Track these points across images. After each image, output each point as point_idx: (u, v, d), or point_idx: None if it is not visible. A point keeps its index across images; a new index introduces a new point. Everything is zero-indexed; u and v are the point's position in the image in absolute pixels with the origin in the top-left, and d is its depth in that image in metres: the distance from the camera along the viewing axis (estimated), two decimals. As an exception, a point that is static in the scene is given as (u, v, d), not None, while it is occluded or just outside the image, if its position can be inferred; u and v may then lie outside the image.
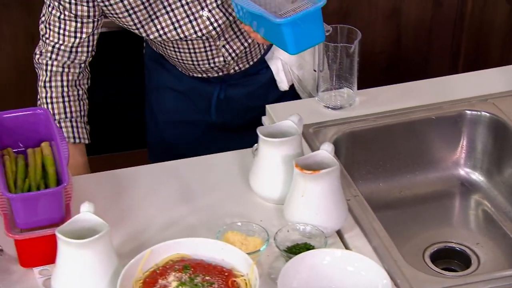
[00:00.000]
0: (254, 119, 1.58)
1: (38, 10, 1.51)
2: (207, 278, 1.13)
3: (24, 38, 2.15)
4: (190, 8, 1.47)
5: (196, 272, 1.14)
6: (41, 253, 1.19)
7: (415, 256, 1.40)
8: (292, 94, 1.68)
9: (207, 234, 1.26)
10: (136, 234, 1.29)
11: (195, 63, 1.58)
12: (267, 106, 1.58)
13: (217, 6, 1.48)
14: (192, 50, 1.55)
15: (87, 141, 1.56)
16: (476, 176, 1.56)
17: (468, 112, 1.54)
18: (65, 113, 1.51)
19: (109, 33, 2.09)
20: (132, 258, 1.15)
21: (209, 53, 1.56)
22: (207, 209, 1.34)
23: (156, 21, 1.48)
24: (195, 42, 1.53)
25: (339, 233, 1.29)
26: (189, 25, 1.49)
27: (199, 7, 1.47)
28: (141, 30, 1.49)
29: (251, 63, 1.63)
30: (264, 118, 1.58)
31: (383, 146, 1.53)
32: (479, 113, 1.53)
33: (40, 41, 1.51)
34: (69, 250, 1.12)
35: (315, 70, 1.58)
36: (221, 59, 1.57)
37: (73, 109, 1.52)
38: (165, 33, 1.49)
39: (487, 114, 1.52)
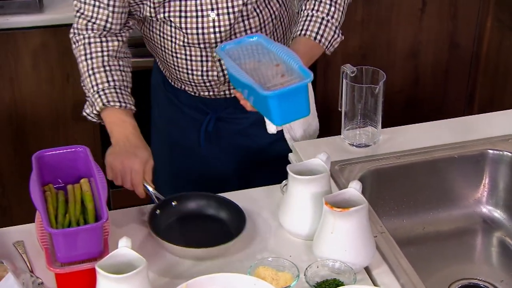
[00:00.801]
0: (245, 163, 1.61)
1: (71, 51, 1.56)
2: (240, 312, 1.16)
3: (60, 78, 2.22)
4: (201, 4, 1.48)
5: (230, 307, 1.17)
6: (80, 286, 1.22)
7: (441, 292, 1.42)
8: (283, 140, 1.67)
9: (239, 269, 1.29)
10: (170, 268, 1.32)
11: (189, 71, 1.58)
12: (294, 143, 1.62)
13: (227, 13, 1.49)
14: (188, 57, 1.55)
15: (133, 108, 1.49)
16: (498, 214, 1.59)
17: (490, 151, 1.58)
18: (108, 81, 1.47)
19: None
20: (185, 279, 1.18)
21: (204, 63, 1.56)
22: (237, 244, 1.38)
23: (166, 4, 1.48)
24: (192, 48, 1.53)
25: (367, 270, 1.32)
26: (194, 19, 1.49)
27: (209, 7, 1.49)
28: (151, 4, 1.47)
29: None
30: (290, 155, 1.63)
31: (407, 183, 1.57)
32: (501, 152, 1.57)
33: (75, 18, 1.51)
34: (108, 284, 1.15)
35: (340, 110, 1.63)
36: (215, 73, 1.57)
37: (115, 77, 1.48)
38: (169, 16, 1.49)
39: (509, 154, 1.56)
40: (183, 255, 1.33)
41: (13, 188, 2.32)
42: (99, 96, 1.46)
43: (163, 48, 1.57)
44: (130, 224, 1.41)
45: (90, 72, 1.47)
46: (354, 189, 1.32)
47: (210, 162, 1.70)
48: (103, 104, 1.45)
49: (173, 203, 1.42)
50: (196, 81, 1.60)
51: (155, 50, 1.61)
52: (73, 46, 1.53)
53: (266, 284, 1.21)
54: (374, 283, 1.29)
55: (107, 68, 1.48)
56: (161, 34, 1.54)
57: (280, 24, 1.61)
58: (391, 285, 1.27)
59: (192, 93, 1.64)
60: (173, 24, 1.51)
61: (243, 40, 1.44)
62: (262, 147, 1.67)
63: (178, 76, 1.61)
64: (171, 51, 1.56)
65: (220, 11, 1.49)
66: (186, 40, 1.52)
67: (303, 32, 1.53)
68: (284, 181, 1.51)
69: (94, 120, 1.51)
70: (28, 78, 2.19)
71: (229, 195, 1.49)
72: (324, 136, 1.68)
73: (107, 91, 1.46)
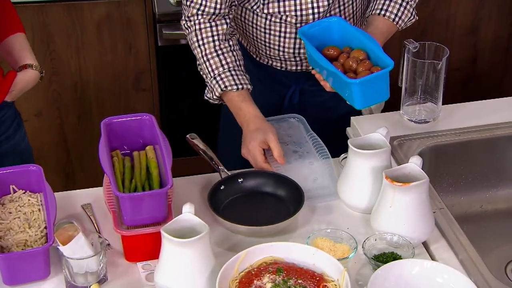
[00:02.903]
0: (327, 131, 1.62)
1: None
2: (299, 281, 1.19)
3: (123, 49, 2.27)
4: None
5: (289, 275, 1.20)
6: (144, 249, 1.27)
7: (498, 270, 1.42)
8: (356, 112, 1.68)
9: (296, 239, 1.32)
10: (229, 236, 1.36)
11: (281, 48, 1.62)
12: (352, 118, 1.63)
13: None
14: (282, 34, 1.59)
15: (249, 86, 1.55)
16: (558, 194, 1.57)
17: (552, 129, 1.55)
18: (222, 65, 1.54)
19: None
20: (226, 258, 1.22)
21: (297, 40, 1.60)
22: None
23: None
24: (288, 25, 1.57)
25: (424, 244, 1.33)
26: (292, 2, 1.53)
27: None
28: None
29: None
30: (348, 130, 1.64)
31: (466, 160, 1.56)
32: None
33: (184, 7, 1.57)
34: (173, 248, 1.19)
35: (399, 85, 1.62)
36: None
37: (228, 60, 1.55)
38: None
39: None
40: (240, 232, 1.35)
41: (77, 155, 2.40)
42: (217, 82, 1.53)
43: (254, 25, 1.61)
44: (193, 191, 1.45)
45: (205, 58, 1.55)
46: (414, 164, 1.32)
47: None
48: (222, 89, 1.53)
49: (239, 180, 1.45)
50: (286, 57, 1.64)
51: (243, 26, 1.65)
52: (186, 32, 1.60)
53: (325, 254, 1.24)
54: (432, 258, 1.30)
55: (219, 52, 1.55)
56: (256, 12, 1.58)
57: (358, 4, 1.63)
58: (449, 261, 1.28)
59: (279, 68, 1.69)
60: (272, 4, 1.54)
61: (323, 21, 1.51)
62: (339, 118, 1.70)
63: (267, 52, 1.65)
64: (264, 28, 1.60)
65: None
66: (284, 18, 1.56)
67: (382, 12, 1.57)
68: (342, 155, 1.52)
69: (216, 102, 1.59)
70: (93, 48, 2.25)
71: (286, 167, 1.51)
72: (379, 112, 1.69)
73: (223, 75, 1.54)
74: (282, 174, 1.45)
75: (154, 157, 1.36)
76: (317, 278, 1.20)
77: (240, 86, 1.53)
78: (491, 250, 1.47)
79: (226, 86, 1.53)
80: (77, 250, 1.19)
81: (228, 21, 1.57)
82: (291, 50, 1.62)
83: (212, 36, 1.55)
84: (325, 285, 1.19)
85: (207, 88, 1.58)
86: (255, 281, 1.19)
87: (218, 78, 1.54)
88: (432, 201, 1.37)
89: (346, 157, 1.47)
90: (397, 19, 1.58)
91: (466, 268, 1.25)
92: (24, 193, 1.34)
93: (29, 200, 1.32)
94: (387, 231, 1.31)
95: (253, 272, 1.21)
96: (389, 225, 1.31)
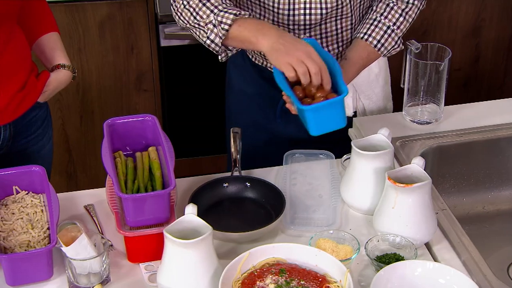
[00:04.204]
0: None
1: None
2: (302, 282, 1.19)
3: (125, 50, 2.27)
4: None
5: (292, 276, 1.20)
6: (147, 250, 1.27)
7: (500, 271, 1.42)
8: (350, 123, 1.66)
9: (299, 240, 1.32)
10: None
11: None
12: (354, 119, 1.63)
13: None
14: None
15: (247, 15, 1.40)
16: (561, 195, 1.57)
17: (554, 131, 1.55)
18: (224, 2, 1.42)
19: (191, 46, 2.20)
20: (228, 259, 1.22)
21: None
22: (298, 216, 1.40)
23: None
24: (281, 28, 1.51)
25: (427, 245, 1.33)
26: (286, 1, 1.47)
27: None
28: None
29: None
30: (350, 131, 1.64)
31: (468, 161, 1.57)
32: None
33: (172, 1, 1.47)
34: (175, 249, 1.19)
35: (402, 86, 1.62)
36: None
37: (227, 2, 1.42)
38: None
39: None
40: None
41: (79, 155, 2.40)
42: (226, 11, 1.39)
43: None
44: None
45: (202, 3, 1.41)
46: (416, 165, 1.32)
47: (282, 138, 1.70)
48: (235, 15, 1.37)
49: (225, 184, 1.42)
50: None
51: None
52: (174, 9, 1.46)
53: (327, 255, 1.24)
54: (435, 259, 1.30)
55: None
56: (250, 11, 1.54)
57: (365, 9, 1.59)
58: (452, 262, 1.28)
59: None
60: (264, 1, 1.51)
61: None
62: None
63: (262, 54, 1.61)
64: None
65: None
66: (275, 19, 1.53)
67: (365, 36, 1.52)
68: (345, 156, 1.52)
69: (218, 47, 1.42)
70: (95, 48, 2.25)
71: (289, 167, 1.51)
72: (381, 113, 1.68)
73: (230, 7, 1.40)
74: (266, 181, 1.42)
75: (157, 158, 1.36)
76: (320, 279, 1.20)
77: (252, 14, 1.42)
78: (493, 251, 1.47)
79: (239, 11, 1.39)
80: (80, 251, 1.19)
81: None
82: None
83: None
84: (328, 286, 1.19)
85: (208, 31, 1.41)
86: (257, 282, 1.19)
87: (225, 9, 1.39)
88: (434, 202, 1.37)
89: (348, 158, 1.48)
90: (379, 45, 1.52)
91: (468, 269, 1.25)
92: (27, 194, 1.34)
93: (32, 201, 1.32)
94: (389, 232, 1.31)
95: (255, 273, 1.21)
96: (392, 226, 1.31)
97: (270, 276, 1.19)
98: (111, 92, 2.32)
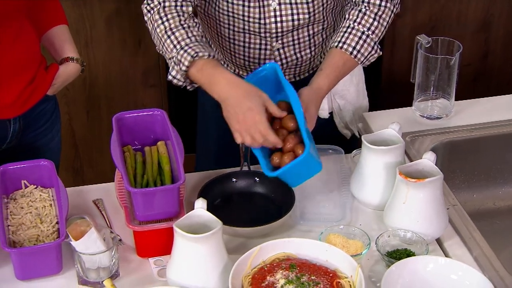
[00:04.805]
0: None
1: (144, 19, 1.56)
2: (312, 277, 1.18)
3: (132, 44, 2.26)
4: None
5: (302, 271, 1.19)
6: (156, 244, 1.26)
7: (512, 267, 1.41)
8: (330, 124, 1.65)
9: (308, 235, 1.31)
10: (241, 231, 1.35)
11: (246, 58, 1.55)
12: (364, 114, 1.62)
13: (289, 3, 1.46)
14: (247, 45, 1.53)
15: (220, 58, 1.40)
16: None
17: None
18: (189, 37, 1.38)
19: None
20: (238, 254, 1.21)
21: (262, 51, 1.54)
22: (308, 211, 1.39)
23: None
24: (252, 36, 1.51)
25: (438, 241, 1.32)
26: (256, 10, 1.46)
27: None
28: None
29: (297, 78, 1.61)
30: (360, 126, 1.63)
31: (479, 157, 1.55)
32: None
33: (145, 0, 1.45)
34: (185, 243, 1.18)
35: (412, 81, 1.61)
36: (272, 61, 1.53)
37: (195, 33, 1.39)
38: (232, 3, 1.45)
39: None
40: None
41: (85, 150, 2.39)
42: (185, 51, 1.36)
43: (219, 34, 1.54)
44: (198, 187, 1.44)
45: (169, 32, 1.39)
46: (428, 160, 1.31)
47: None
48: (192, 57, 1.35)
49: (233, 180, 1.42)
50: (252, 67, 1.57)
51: (210, 33, 1.58)
52: (147, 15, 1.44)
53: (338, 250, 1.23)
54: (446, 255, 1.29)
55: (185, 26, 1.39)
56: (219, 19, 1.51)
57: (337, 13, 1.56)
58: (464, 257, 1.27)
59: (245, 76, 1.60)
60: (233, 11, 1.48)
61: (260, 71, 1.38)
62: (312, 130, 1.52)
63: (234, 61, 1.59)
64: (228, 37, 1.53)
65: (282, 0, 1.46)
66: (246, 28, 1.50)
67: (340, 44, 1.44)
68: (354, 151, 1.51)
69: (181, 82, 1.40)
70: (102, 43, 2.24)
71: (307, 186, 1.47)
72: (389, 108, 1.67)
73: (191, 45, 1.37)
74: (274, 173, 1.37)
75: (166, 152, 1.35)
76: (331, 275, 1.19)
77: (211, 54, 1.36)
78: (505, 247, 1.46)
79: (196, 53, 1.34)
80: (90, 245, 1.18)
81: (193, 5, 1.46)
82: (257, 60, 1.55)
83: (177, 12, 1.41)
84: (339, 282, 1.18)
85: (170, 66, 1.40)
86: (268, 277, 1.18)
87: (186, 48, 1.36)
88: (445, 197, 1.36)
89: (358, 153, 1.47)
90: (355, 52, 1.44)
91: (480, 265, 1.24)
92: (35, 188, 1.33)
93: (40, 195, 1.31)
94: (400, 228, 1.30)
95: (266, 268, 1.20)
96: (403, 221, 1.30)
97: (281, 271, 1.19)
98: (117, 87, 2.31)
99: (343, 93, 1.65)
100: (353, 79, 1.65)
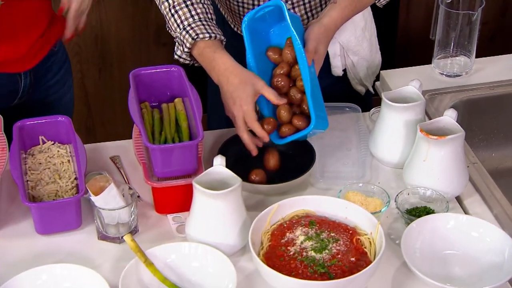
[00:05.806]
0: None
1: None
2: (332, 234, 1.18)
3: (144, 1, 2.23)
4: None
5: (322, 228, 1.18)
6: (175, 201, 1.26)
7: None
8: (343, 81, 1.62)
9: (328, 193, 1.30)
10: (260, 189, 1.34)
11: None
12: (381, 72, 1.60)
13: None
14: (256, 1, 1.48)
15: (222, 38, 1.38)
16: None
17: None
18: (192, 16, 1.37)
19: None
20: (257, 211, 1.20)
21: None
22: (327, 170, 1.38)
23: None
24: None
25: (458, 199, 1.31)
26: None
27: None
28: None
29: (309, 15, 1.54)
30: (377, 84, 1.60)
31: (498, 115, 1.53)
32: None
33: None
34: (205, 200, 1.18)
35: (431, 38, 1.58)
36: None
37: (198, 11, 1.38)
38: None
39: None
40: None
41: (97, 109, 2.38)
42: (187, 32, 1.36)
43: None
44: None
45: (173, 11, 1.39)
46: (449, 117, 1.29)
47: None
48: (193, 39, 1.35)
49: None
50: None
51: None
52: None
53: (357, 207, 1.22)
54: (466, 213, 1.28)
55: (188, 2, 1.38)
56: None
57: None
58: (484, 215, 1.26)
59: None
60: None
61: (266, 6, 1.35)
62: (325, 86, 1.52)
63: (238, 12, 1.54)
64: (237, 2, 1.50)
65: None
66: None
67: None
68: (373, 109, 1.49)
69: (187, 61, 1.40)
70: (114, 0, 2.20)
71: (325, 144, 1.46)
72: (404, 67, 1.64)
73: (193, 25, 1.36)
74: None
75: (183, 109, 1.34)
76: (350, 232, 1.18)
77: (213, 35, 1.35)
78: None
79: (197, 35, 1.34)
80: (109, 201, 1.18)
81: None
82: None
83: None
84: (358, 239, 1.17)
85: (176, 44, 1.40)
86: (287, 234, 1.18)
87: (188, 28, 1.36)
88: (465, 155, 1.34)
89: (376, 112, 1.45)
90: None
91: (500, 222, 1.24)
92: (53, 144, 1.32)
93: (58, 151, 1.30)
94: (420, 185, 1.29)
95: (285, 225, 1.19)
96: (423, 179, 1.29)
97: (300, 228, 1.18)
98: (129, 45, 2.28)
99: (356, 48, 1.61)
100: (366, 34, 1.61)
